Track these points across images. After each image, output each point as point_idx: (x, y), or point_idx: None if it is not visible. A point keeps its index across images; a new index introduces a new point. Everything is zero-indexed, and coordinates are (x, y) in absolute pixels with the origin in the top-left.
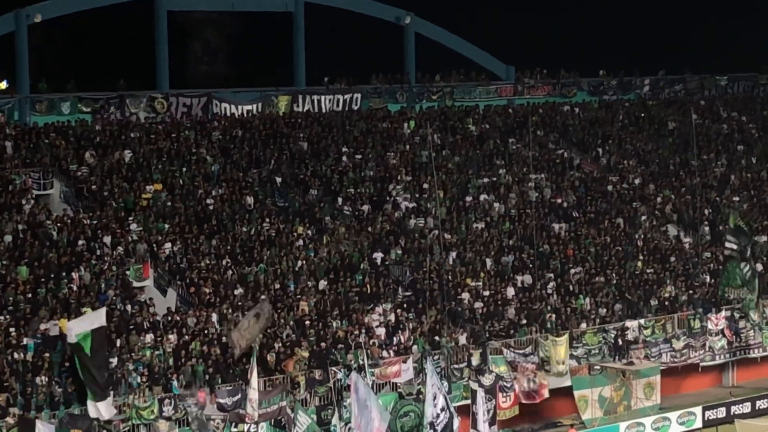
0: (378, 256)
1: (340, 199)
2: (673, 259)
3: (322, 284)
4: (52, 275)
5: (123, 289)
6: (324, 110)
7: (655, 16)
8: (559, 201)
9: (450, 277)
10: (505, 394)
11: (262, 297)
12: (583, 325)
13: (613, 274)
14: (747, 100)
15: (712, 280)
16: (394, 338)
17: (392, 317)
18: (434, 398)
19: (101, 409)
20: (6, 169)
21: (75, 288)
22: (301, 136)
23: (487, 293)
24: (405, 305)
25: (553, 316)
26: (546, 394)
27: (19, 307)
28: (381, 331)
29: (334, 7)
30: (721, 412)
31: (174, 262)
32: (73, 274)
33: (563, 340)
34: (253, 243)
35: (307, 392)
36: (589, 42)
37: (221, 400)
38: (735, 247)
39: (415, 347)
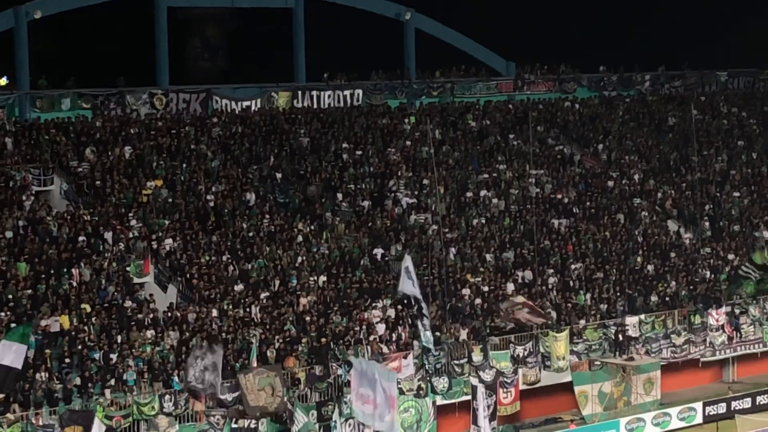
0: (378, 252)
1: (340, 195)
2: (673, 254)
3: (323, 280)
4: (53, 271)
5: (123, 285)
6: (324, 106)
7: (655, 12)
8: (560, 197)
9: (450, 273)
10: (505, 390)
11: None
12: (583, 321)
13: (614, 270)
14: (747, 96)
15: (713, 276)
16: (394, 334)
17: (392, 313)
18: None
19: None
20: (6, 165)
21: (75, 284)
22: (301, 132)
23: (487, 289)
24: (405, 301)
25: (553, 311)
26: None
27: (19, 304)
28: (381, 327)
29: (334, 2)
30: (722, 408)
31: (174, 258)
32: (73, 270)
33: (563, 335)
34: (253, 239)
35: (307, 388)
36: (590, 37)
37: (221, 396)
38: (753, 274)
39: (415, 343)
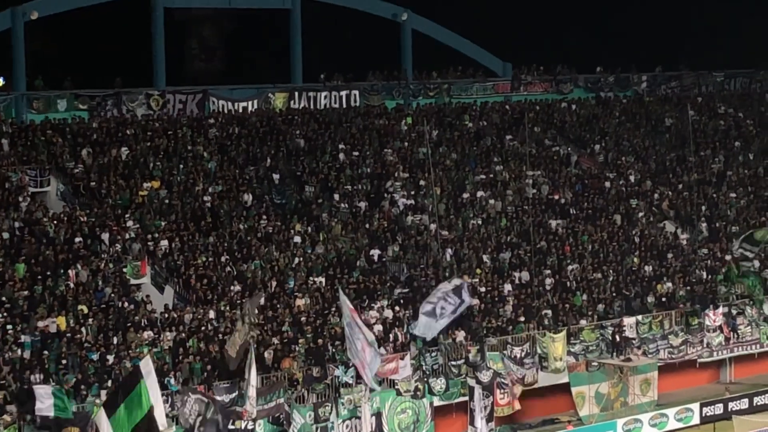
0: (375, 252)
1: (337, 196)
2: (670, 255)
3: (319, 281)
4: (49, 273)
5: (120, 286)
6: (321, 107)
7: (652, 12)
8: (556, 197)
9: (447, 274)
10: (502, 391)
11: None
12: (581, 322)
13: (611, 271)
14: (744, 96)
15: (710, 276)
16: (391, 335)
17: (389, 314)
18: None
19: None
20: (2, 167)
21: (72, 285)
22: (297, 133)
23: (484, 290)
24: (402, 302)
25: (550, 312)
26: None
27: (16, 305)
28: (378, 328)
29: (330, 3)
30: (719, 409)
31: (171, 259)
32: (70, 271)
33: (560, 336)
34: (250, 240)
35: (304, 389)
36: (586, 38)
37: (218, 398)
38: (751, 255)
39: (412, 345)
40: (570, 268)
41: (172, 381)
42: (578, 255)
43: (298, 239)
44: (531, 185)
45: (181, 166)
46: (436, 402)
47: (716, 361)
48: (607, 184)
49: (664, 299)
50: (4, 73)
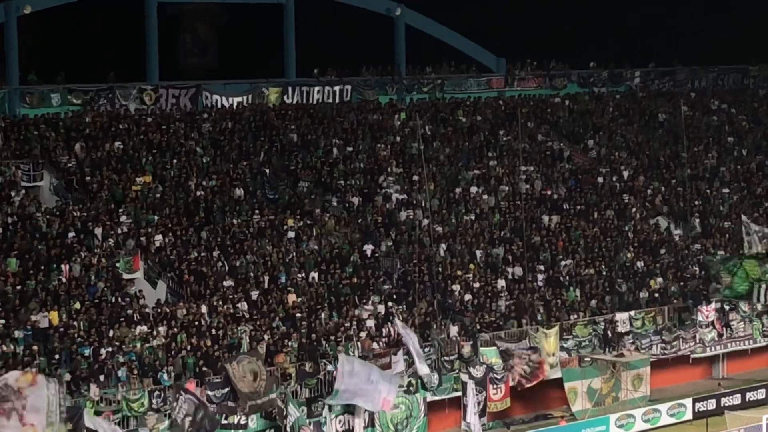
0: (368, 248)
1: (330, 191)
2: (663, 251)
3: (312, 276)
4: (42, 267)
5: (113, 281)
6: (314, 102)
7: (645, 8)
8: (550, 193)
9: (440, 269)
10: (495, 386)
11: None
12: (574, 317)
13: (603, 266)
14: (737, 92)
15: (702, 272)
16: (384, 330)
17: (382, 309)
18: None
19: None
20: None
21: (65, 280)
22: (291, 127)
23: (477, 285)
24: (395, 297)
25: (542, 307)
26: (547, 369)
27: (8, 299)
28: (371, 323)
29: None
30: (712, 404)
31: (164, 253)
32: (62, 266)
33: (553, 332)
34: (243, 235)
35: (297, 384)
36: (580, 34)
37: (210, 393)
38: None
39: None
40: (563, 263)
41: (165, 376)
42: (571, 250)
43: (291, 234)
44: (524, 180)
45: (174, 160)
46: (429, 397)
47: (709, 356)
48: (600, 179)
49: (656, 295)
50: None
